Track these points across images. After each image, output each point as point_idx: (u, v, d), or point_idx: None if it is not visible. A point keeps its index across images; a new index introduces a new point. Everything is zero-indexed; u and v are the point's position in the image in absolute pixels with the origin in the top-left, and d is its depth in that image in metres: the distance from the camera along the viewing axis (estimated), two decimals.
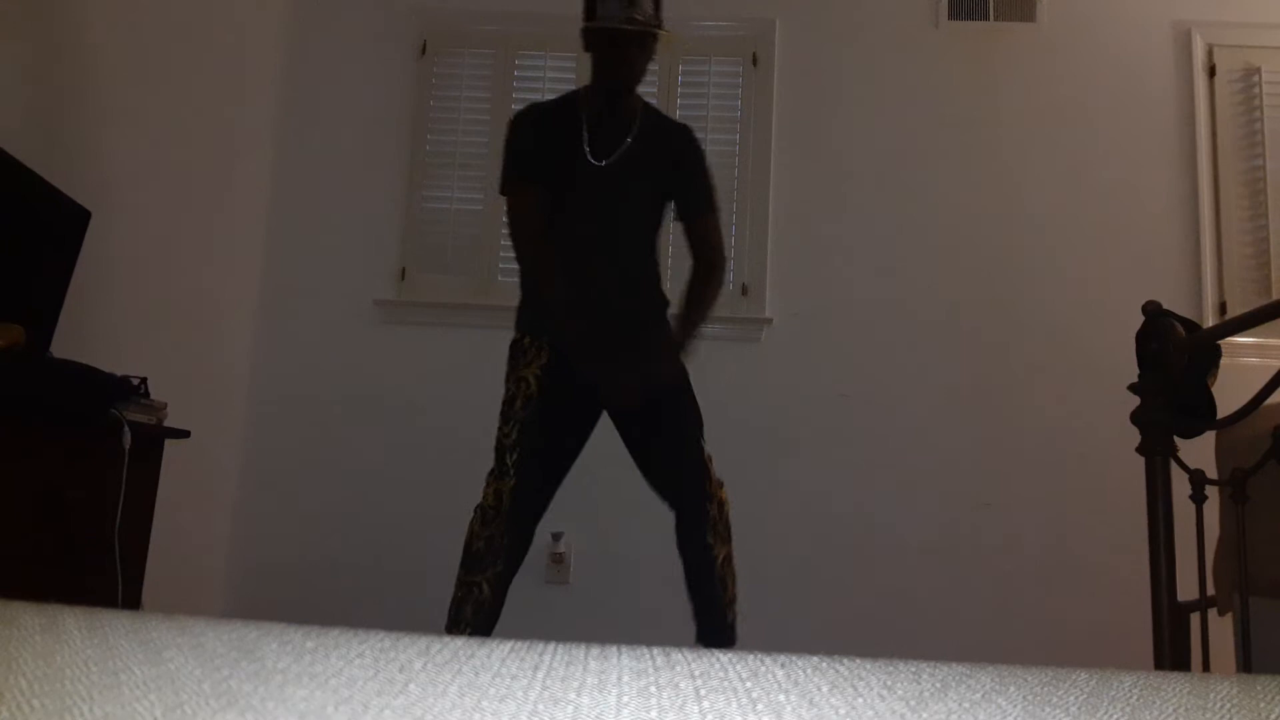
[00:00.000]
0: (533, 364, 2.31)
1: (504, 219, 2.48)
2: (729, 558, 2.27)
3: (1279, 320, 1.92)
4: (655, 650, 0.59)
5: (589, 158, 2.35)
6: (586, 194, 2.37)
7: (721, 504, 2.28)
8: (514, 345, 2.37)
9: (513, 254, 2.42)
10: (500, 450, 2.27)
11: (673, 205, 2.48)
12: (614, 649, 0.58)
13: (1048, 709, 0.54)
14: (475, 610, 2.20)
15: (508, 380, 2.35)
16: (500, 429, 2.30)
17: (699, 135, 2.38)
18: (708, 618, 2.23)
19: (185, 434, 2.50)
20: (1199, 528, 1.96)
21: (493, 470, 2.27)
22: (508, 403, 2.32)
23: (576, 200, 2.37)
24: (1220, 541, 2.06)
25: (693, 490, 2.25)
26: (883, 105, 3.79)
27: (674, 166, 2.43)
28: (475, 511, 2.26)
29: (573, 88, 4.22)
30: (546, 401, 2.28)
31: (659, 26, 2.32)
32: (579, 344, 2.28)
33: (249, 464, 3.63)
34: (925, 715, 0.51)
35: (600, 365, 2.26)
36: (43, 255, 2.32)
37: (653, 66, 3.79)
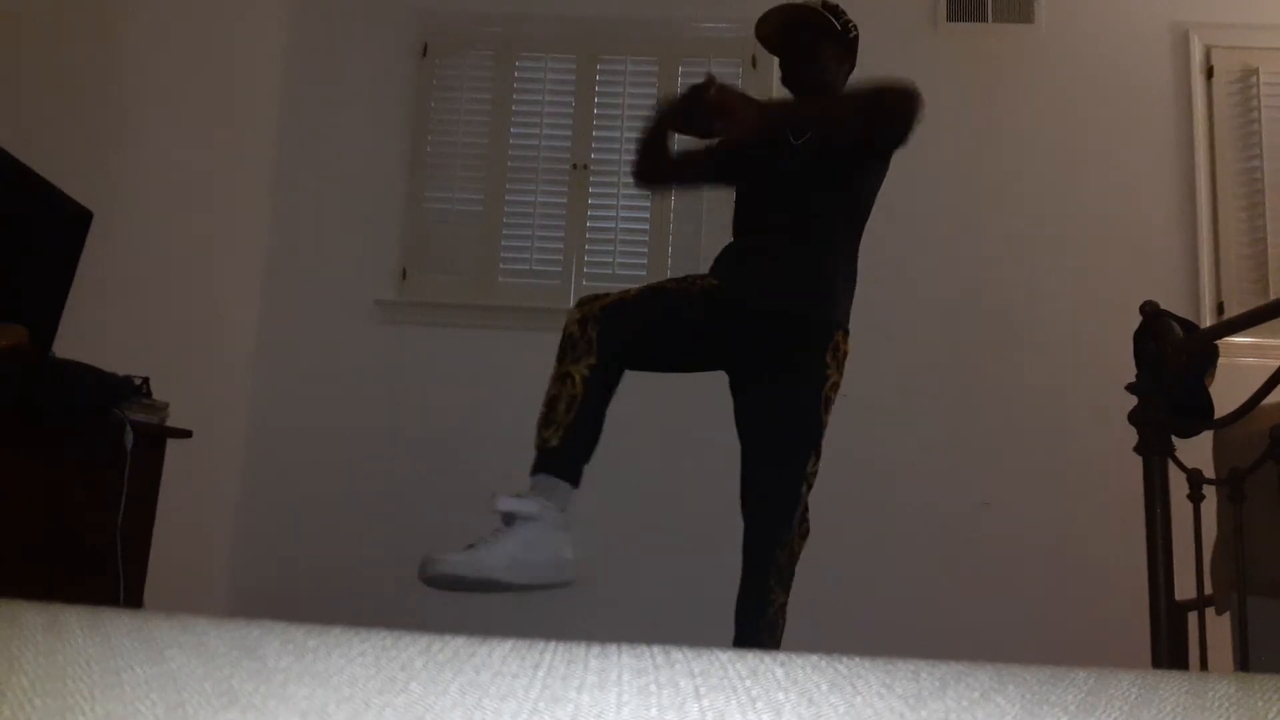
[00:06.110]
0: (708, 278, 2.21)
1: None
2: (783, 606, 2.08)
3: (1276, 320, 1.92)
4: (655, 649, 0.59)
5: (790, 138, 2.35)
6: (780, 174, 2.36)
7: (793, 555, 2.10)
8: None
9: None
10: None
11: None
12: (614, 647, 0.59)
13: (1046, 707, 0.54)
14: (568, 406, 1.93)
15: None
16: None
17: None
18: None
19: (187, 434, 2.50)
20: (1197, 527, 1.97)
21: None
22: (675, 280, 2.21)
23: (770, 181, 2.37)
24: (1218, 541, 2.06)
25: (771, 526, 2.09)
26: None
27: None
28: (583, 303, 1.98)
29: (572, 89, 4.22)
30: (693, 311, 2.10)
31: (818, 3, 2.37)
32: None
33: (250, 463, 3.64)
34: (924, 714, 0.52)
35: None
36: (45, 256, 2.33)
37: (652, 67, 3.84)
